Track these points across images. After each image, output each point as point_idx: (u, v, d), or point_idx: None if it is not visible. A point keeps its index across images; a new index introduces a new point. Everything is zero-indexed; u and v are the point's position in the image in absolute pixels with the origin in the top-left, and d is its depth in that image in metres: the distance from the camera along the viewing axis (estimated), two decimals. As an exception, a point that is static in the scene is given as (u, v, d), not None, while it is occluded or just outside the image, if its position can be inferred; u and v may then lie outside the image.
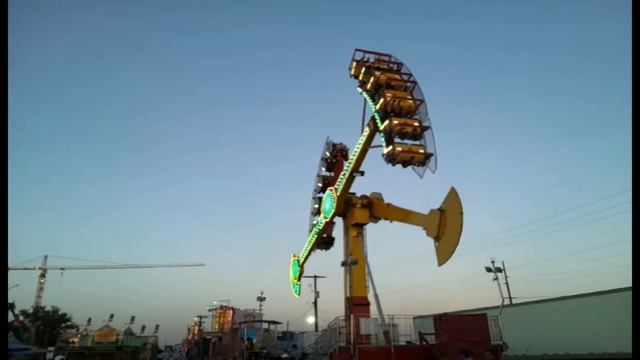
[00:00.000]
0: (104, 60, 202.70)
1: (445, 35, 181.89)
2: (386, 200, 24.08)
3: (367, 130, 21.04)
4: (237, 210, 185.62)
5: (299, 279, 30.37)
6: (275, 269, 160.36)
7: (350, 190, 24.19)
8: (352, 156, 22.44)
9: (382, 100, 18.63)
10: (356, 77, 22.47)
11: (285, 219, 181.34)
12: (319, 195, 27.19)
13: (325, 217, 25.25)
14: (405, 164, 17.57)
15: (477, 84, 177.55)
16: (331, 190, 25.02)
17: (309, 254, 28.61)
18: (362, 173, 22.63)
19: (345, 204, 24.28)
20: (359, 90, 21.61)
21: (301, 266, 29.53)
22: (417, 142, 18.01)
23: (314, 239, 27.31)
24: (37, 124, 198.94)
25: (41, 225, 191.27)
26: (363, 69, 21.44)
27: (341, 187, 23.58)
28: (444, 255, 16.65)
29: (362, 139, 21.41)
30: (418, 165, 17.55)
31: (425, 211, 18.32)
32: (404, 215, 21.01)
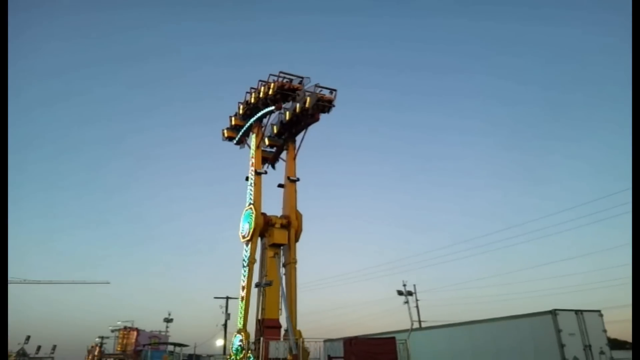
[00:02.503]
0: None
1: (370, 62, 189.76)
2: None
3: (252, 135, 28.26)
4: (150, 231, 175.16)
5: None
6: (186, 289, 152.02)
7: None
8: (252, 158, 27.27)
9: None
10: (230, 139, 29.44)
11: (200, 242, 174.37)
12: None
13: (244, 237, 24.59)
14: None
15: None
16: (249, 208, 24.63)
17: (247, 312, 23.08)
18: (265, 172, 27.44)
19: (265, 224, 24.22)
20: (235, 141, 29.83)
21: (244, 332, 22.21)
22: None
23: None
24: None
25: None
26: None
27: (253, 191, 25.47)
28: None
29: (253, 140, 27.93)
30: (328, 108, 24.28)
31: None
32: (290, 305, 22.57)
